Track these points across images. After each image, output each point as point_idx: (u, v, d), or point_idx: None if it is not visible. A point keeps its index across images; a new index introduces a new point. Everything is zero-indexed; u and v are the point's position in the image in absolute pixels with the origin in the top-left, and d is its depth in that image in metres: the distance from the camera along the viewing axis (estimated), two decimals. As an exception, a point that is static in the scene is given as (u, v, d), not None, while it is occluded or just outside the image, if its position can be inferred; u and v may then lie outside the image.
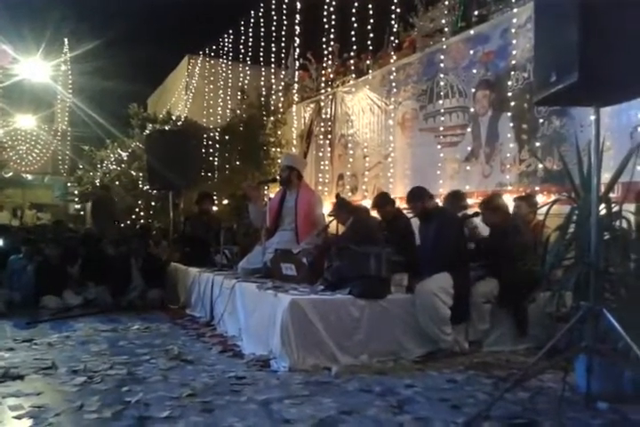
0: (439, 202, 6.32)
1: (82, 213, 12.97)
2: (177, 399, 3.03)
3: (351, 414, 2.84)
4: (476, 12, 7.10)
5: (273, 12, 11.24)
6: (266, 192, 5.94)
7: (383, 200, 5.47)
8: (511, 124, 6.34)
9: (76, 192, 14.45)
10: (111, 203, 10.47)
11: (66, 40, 20.11)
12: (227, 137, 11.92)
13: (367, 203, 8.02)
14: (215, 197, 8.70)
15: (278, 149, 11.82)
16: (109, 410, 2.83)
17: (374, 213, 5.56)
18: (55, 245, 6.77)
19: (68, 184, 17.04)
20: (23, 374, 3.49)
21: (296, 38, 11.20)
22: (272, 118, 12.06)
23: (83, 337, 4.70)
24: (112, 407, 2.87)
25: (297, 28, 10.81)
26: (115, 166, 12.76)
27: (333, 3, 9.63)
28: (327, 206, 8.59)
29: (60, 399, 3.03)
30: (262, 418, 2.77)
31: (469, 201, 5.95)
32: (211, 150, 11.86)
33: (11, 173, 17.33)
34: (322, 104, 10.60)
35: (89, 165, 14.05)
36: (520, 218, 4.99)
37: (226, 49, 13.74)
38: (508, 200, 5.22)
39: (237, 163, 11.76)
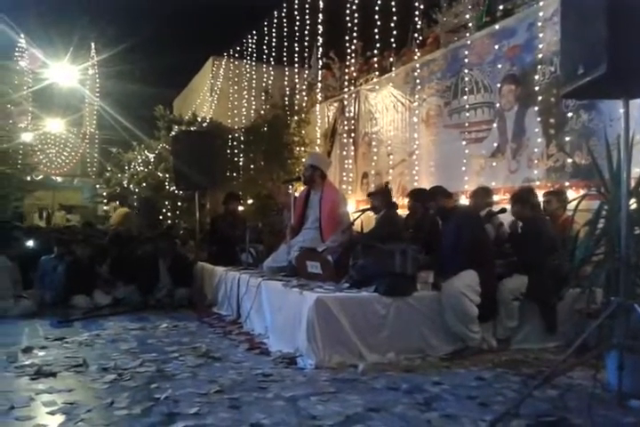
0: (464, 199, 6.29)
1: (111, 214, 13.17)
2: (205, 396, 3.06)
3: (378, 412, 2.84)
4: (500, 7, 7.02)
5: (295, 12, 11.26)
6: (290, 191, 5.97)
7: (417, 194, 5.45)
8: (538, 119, 6.25)
9: (104, 194, 14.68)
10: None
11: (92, 44, 20.43)
12: (251, 137, 11.98)
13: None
14: (241, 197, 8.76)
15: (302, 149, 11.84)
16: (139, 407, 2.87)
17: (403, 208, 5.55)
18: (85, 246, 6.89)
19: (97, 186, 17.32)
20: (55, 371, 3.56)
21: (319, 37, 11.21)
22: (296, 118, 12.08)
23: (112, 336, 4.78)
24: (142, 404, 2.91)
25: (319, 27, 10.81)
26: (142, 168, 12.91)
27: (356, 1, 9.60)
28: (351, 205, 8.59)
29: (91, 396, 3.09)
30: (289, 414, 2.78)
31: (496, 197, 5.90)
32: (236, 151, 11.93)
33: (41, 176, 17.63)
34: (345, 103, 10.59)
35: (116, 167, 14.24)
36: (549, 213, 4.93)
37: (249, 50, 13.82)
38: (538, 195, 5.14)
39: (262, 163, 11.81)
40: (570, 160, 5.80)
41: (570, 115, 5.86)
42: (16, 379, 3.42)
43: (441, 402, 3.01)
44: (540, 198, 5.06)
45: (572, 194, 5.41)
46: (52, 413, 2.80)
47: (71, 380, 3.41)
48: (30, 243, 7.32)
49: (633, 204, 3.18)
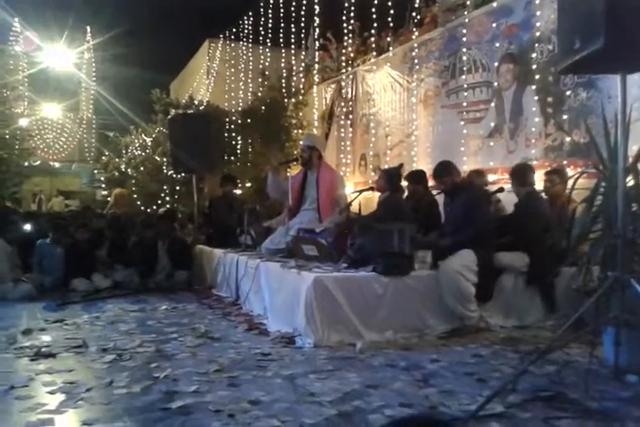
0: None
1: (109, 198, 13.14)
2: (204, 375, 3.07)
3: (376, 388, 2.86)
4: (498, -16, 6.93)
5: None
6: (288, 174, 5.97)
7: (417, 177, 5.42)
8: (536, 98, 6.21)
9: (102, 178, 14.64)
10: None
11: (88, 28, 20.24)
12: (248, 120, 11.90)
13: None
14: (238, 180, 8.73)
15: (300, 131, 11.78)
16: (138, 385, 2.89)
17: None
18: (84, 230, 6.89)
19: (95, 171, 17.27)
20: (55, 352, 3.58)
21: (315, 18, 11.09)
22: (293, 100, 11.99)
23: (112, 317, 4.79)
24: (141, 383, 2.93)
25: (316, 7, 10.68)
26: (139, 152, 12.86)
27: (352, -20, 9.49)
28: (350, 187, 8.58)
29: (90, 376, 3.10)
30: (288, 392, 2.80)
31: (494, 177, 5.89)
32: (233, 134, 11.87)
33: (39, 162, 17.58)
34: (343, 84, 10.51)
35: (114, 151, 14.19)
36: (551, 192, 4.92)
37: (246, 32, 13.68)
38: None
39: (259, 145, 11.75)
40: (568, 139, 5.77)
41: (568, 93, 5.82)
42: (16, 360, 3.44)
43: (439, 378, 3.03)
44: (541, 178, 5.04)
45: (569, 173, 5.39)
46: (51, 392, 2.82)
47: (71, 360, 3.43)
48: (28, 227, 7.32)
49: (630, 180, 3.16)
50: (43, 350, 3.60)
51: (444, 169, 4.55)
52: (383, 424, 1.01)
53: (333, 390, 2.80)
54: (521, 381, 2.79)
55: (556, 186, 4.92)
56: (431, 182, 5.22)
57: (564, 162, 5.76)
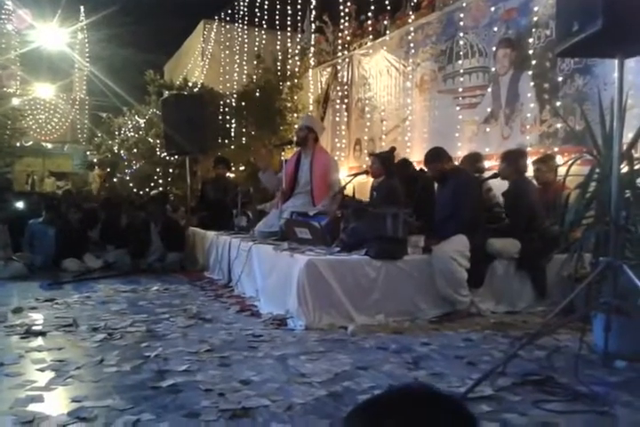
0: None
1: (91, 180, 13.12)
2: (195, 354, 3.07)
3: (367, 370, 2.87)
4: (497, -32, 6.86)
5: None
6: (282, 158, 5.93)
7: (400, 165, 5.43)
8: (532, 84, 6.17)
9: (95, 160, 14.54)
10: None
11: (82, 7, 19.94)
12: (243, 103, 11.81)
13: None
14: (232, 164, 8.69)
15: (295, 115, 11.70)
16: (129, 364, 2.89)
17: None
18: (76, 210, 6.86)
19: (87, 153, 17.14)
20: (45, 330, 3.57)
21: (312, 0, 10.97)
22: (288, 83, 11.89)
23: (103, 297, 4.78)
24: (131, 362, 2.93)
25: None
26: (132, 133, 12.75)
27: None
28: (344, 171, 8.54)
29: (80, 354, 3.10)
30: (278, 372, 2.80)
31: (488, 163, 5.87)
32: (227, 117, 11.79)
33: (31, 142, 17.42)
34: (338, 68, 10.41)
35: (107, 133, 14.08)
36: (541, 181, 4.92)
37: (241, 13, 13.52)
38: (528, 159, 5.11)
39: (254, 128, 11.67)
40: (561, 125, 5.75)
41: (564, 79, 5.79)
42: (6, 338, 3.43)
43: (429, 361, 3.05)
44: (530, 167, 5.03)
45: (564, 160, 5.39)
46: (41, 369, 2.81)
47: (61, 339, 3.42)
48: (20, 206, 7.27)
49: (624, 167, 3.16)
50: (33, 328, 3.60)
51: (433, 156, 4.54)
52: (371, 398, 0.97)
53: (324, 371, 2.81)
54: (510, 365, 2.81)
55: (545, 174, 4.92)
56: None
57: (557, 149, 5.75)
